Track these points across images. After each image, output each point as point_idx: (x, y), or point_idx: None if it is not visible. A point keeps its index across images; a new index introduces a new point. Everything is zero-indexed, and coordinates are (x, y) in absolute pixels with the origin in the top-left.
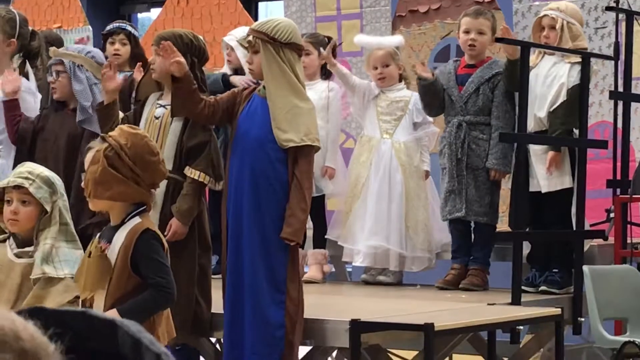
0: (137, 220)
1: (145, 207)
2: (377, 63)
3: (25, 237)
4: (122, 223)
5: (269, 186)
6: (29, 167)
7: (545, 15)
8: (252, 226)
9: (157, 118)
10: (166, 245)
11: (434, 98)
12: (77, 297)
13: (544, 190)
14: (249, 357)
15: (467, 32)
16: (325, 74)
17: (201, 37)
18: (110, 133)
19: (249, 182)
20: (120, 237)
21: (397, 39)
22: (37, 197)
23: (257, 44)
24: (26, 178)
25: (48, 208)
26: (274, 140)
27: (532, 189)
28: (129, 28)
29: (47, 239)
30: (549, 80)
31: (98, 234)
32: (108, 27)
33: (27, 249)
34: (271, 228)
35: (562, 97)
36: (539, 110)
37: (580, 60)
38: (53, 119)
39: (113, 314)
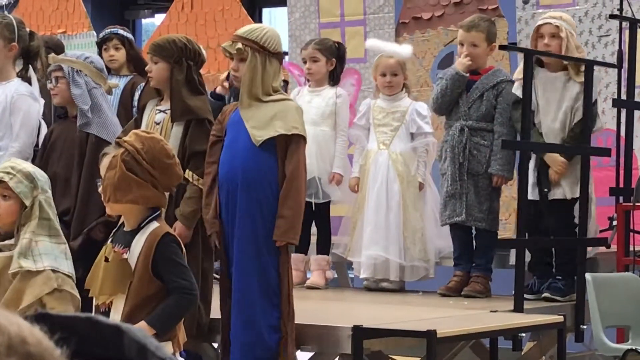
0: (155, 224)
1: (160, 211)
2: (387, 71)
3: (7, 231)
4: (139, 228)
5: (261, 188)
6: (13, 162)
7: (546, 23)
8: (245, 230)
9: (157, 123)
10: (184, 249)
11: (458, 95)
12: (55, 289)
13: (568, 197)
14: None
15: (461, 44)
16: (334, 80)
17: (194, 41)
18: (125, 138)
19: (242, 187)
20: (139, 242)
21: (408, 50)
22: (16, 191)
23: (245, 52)
24: (7, 172)
25: (27, 203)
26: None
27: (556, 196)
28: (121, 32)
29: (26, 233)
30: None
31: (110, 239)
32: (101, 35)
33: (7, 242)
34: (263, 230)
35: (578, 117)
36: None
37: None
38: (57, 128)
39: (142, 326)
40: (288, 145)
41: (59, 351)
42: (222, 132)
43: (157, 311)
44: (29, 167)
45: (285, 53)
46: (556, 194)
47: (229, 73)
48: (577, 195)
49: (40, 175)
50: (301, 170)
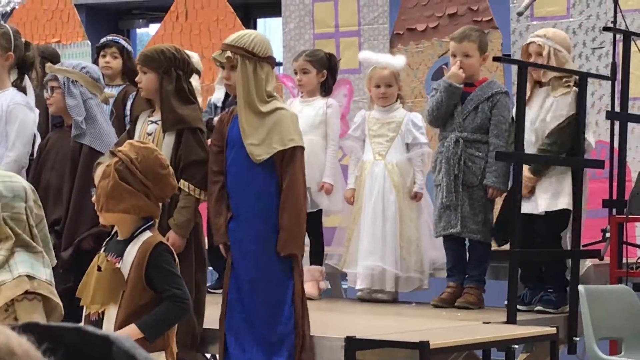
0: (148, 234)
1: (153, 221)
2: (381, 82)
3: None
4: (132, 237)
5: (264, 201)
6: None
7: (531, 42)
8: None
9: (149, 134)
10: (177, 258)
11: (453, 106)
12: (27, 292)
13: (540, 210)
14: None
15: (454, 55)
16: (325, 91)
17: (187, 51)
18: (119, 148)
19: (246, 204)
20: (132, 251)
21: (402, 61)
22: None
23: (235, 60)
24: None
25: None
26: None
27: (526, 211)
28: (122, 42)
29: (1, 251)
30: (538, 122)
31: (102, 248)
32: (102, 40)
33: None
34: (268, 241)
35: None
36: (530, 145)
37: (564, 92)
38: (53, 136)
39: (131, 329)
40: (285, 159)
41: None
42: (222, 142)
43: (149, 316)
44: None
45: (279, 64)
46: (528, 208)
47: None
48: (558, 208)
49: (8, 190)
50: (298, 180)
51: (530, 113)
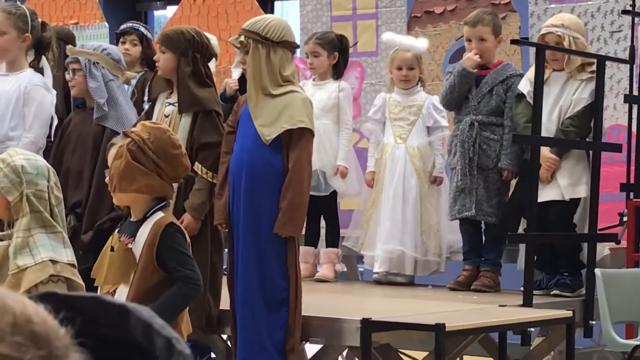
0: (160, 214)
1: (166, 202)
2: (404, 64)
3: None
4: (145, 218)
5: (267, 182)
6: (7, 154)
7: (549, 33)
8: (248, 223)
9: (166, 116)
10: (189, 239)
11: (467, 90)
12: (52, 276)
13: (567, 198)
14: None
15: (469, 40)
16: (337, 73)
17: (205, 34)
18: (132, 129)
19: (245, 181)
20: (144, 232)
21: (425, 44)
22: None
23: (249, 44)
24: None
25: (10, 198)
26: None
27: (543, 199)
28: (142, 29)
29: (19, 232)
30: (562, 100)
31: (117, 229)
32: (122, 27)
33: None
34: (267, 224)
35: (571, 111)
36: (548, 130)
37: (590, 77)
38: (75, 118)
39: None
40: (292, 139)
41: (63, 330)
42: (236, 123)
43: (161, 299)
44: (20, 160)
45: (297, 46)
46: (550, 195)
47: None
48: (577, 196)
49: (33, 168)
50: (303, 163)
51: (549, 93)
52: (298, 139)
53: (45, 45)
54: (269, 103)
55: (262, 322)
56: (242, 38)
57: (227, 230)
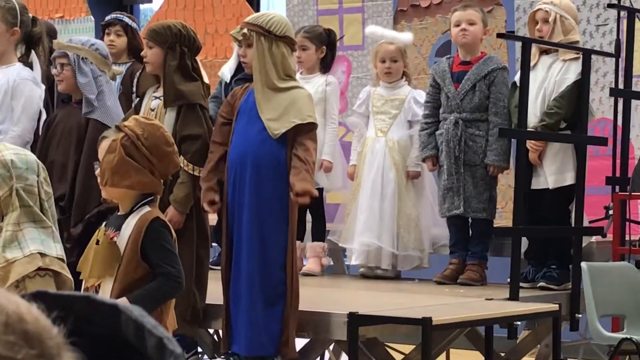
0: (146, 208)
1: (153, 196)
2: (387, 57)
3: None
4: (131, 211)
5: (272, 177)
6: None
7: (539, 9)
8: (252, 217)
9: (152, 110)
10: (174, 234)
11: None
12: (40, 269)
13: (551, 187)
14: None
15: (457, 24)
16: (325, 67)
17: (191, 27)
18: (125, 123)
19: (251, 174)
20: (129, 225)
21: (409, 37)
22: None
23: (251, 37)
24: None
25: (0, 192)
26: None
27: (537, 186)
28: (126, 20)
29: (8, 225)
30: (546, 82)
31: (104, 222)
32: (106, 18)
33: None
34: (271, 215)
35: (555, 93)
36: (534, 114)
37: (574, 57)
38: (60, 112)
39: (123, 302)
40: (299, 133)
41: (56, 329)
42: (232, 115)
43: (141, 291)
44: (9, 154)
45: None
46: (537, 183)
47: None
48: (563, 184)
49: (22, 162)
50: (310, 151)
51: (536, 78)
52: (307, 133)
53: (35, 40)
54: (274, 97)
55: (260, 314)
56: (245, 31)
57: (215, 211)
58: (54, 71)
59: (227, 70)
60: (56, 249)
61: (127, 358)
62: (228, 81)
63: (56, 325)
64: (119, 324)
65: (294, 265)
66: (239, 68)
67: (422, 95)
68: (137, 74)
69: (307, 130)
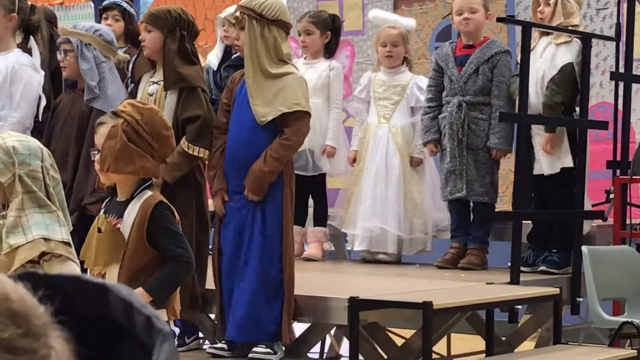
0: (148, 193)
1: (152, 181)
2: (388, 41)
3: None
4: (132, 197)
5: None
6: None
7: None
8: (245, 203)
9: (150, 95)
10: (177, 216)
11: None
12: (44, 253)
13: (546, 173)
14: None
15: (459, 13)
16: (329, 52)
17: (189, 12)
18: (122, 108)
19: (242, 161)
20: (132, 211)
21: (411, 22)
22: None
23: (244, 20)
24: None
25: (3, 179)
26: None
27: (536, 172)
28: (124, 4)
29: (11, 211)
30: (540, 63)
31: (102, 210)
32: (104, 3)
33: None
34: (263, 204)
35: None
36: (535, 94)
37: (566, 40)
38: (65, 98)
39: (139, 293)
40: (287, 121)
41: (43, 308)
42: (231, 101)
43: (154, 279)
44: (12, 141)
45: (291, 26)
46: (538, 168)
47: None
48: (558, 169)
49: (25, 148)
50: (291, 141)
51: (535, 59)
52: (294, 120)
53: (33, 27)
54: (265, 82)
55: (258, 300)
56: (238, 14)
57: (227, 199)
58: (59, 57)
59: (213, 58)
60: (61, 232)
61: (115, 338)
62: (215, 69)
63: (43, 304)
64: (107, 303)
65: (289, 252)
66: (226, 55)
67: (424, 81)
68: (132, 59)
69: (294, 118)
